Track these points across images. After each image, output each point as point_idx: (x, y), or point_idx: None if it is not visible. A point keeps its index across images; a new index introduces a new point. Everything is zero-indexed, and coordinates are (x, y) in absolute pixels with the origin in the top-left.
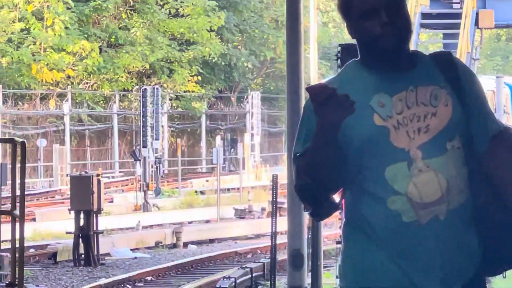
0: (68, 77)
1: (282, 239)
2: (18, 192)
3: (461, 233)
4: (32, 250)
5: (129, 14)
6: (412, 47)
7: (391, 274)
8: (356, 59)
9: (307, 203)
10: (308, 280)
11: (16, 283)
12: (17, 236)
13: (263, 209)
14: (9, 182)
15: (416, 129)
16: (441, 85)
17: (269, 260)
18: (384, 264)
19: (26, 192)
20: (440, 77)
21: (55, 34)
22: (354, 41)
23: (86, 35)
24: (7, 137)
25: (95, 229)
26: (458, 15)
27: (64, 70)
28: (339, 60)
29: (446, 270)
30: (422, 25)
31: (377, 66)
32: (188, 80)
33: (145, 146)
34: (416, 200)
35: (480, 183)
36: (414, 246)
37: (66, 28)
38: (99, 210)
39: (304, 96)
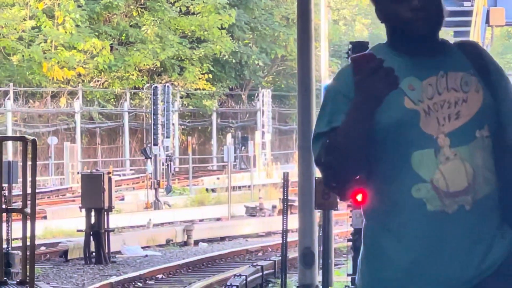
0: (79, 75)
1: (293, 237)
2: (29, 190)
3: (486, 225)
4: (43, 248)
5: (140, 12)
6: None
7: (408, 281)
8: (382, 42)
9: (331, 180)
10: (319, 278)
11: (27, 281)
12: (28, 234)
13: (274, 207)
14: (20, 180)
15: (446, 116)
16: (471, 72)
17: (280, 258)
18: (402, 269)
19: (37, 190)
20: (469, 65)
21: (66, 32)
22: (364, 39)
23: (97, 33)
24: (18, 135)
25: (106, 227)
26: (469, 13)
27: (75, 68)
28: (349, 57)
29: (468, 263)
30: None
31: (406, 51)
32: (199, 78)
33: (156, 144)
34: (442, 189)
35: (509, 175)
36: (439, 236)
37: (77, 26)
38: (110, 208)
39: (314, 93)
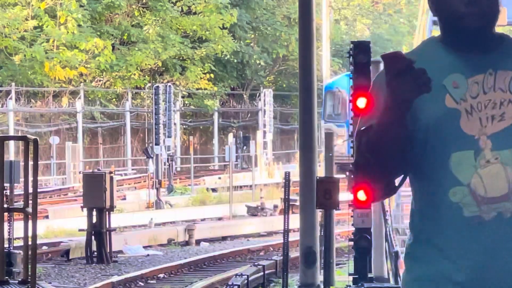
0: (81, 74)
1: (294, 237)
2: (30, 190)
3: None
4: (44, 247)
5: (141, 12)
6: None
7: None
8: (435, 36)
9: (364, 180)
10: (320, 277)
11: (29, 280)
12: (30, 233)
13: (275, 207)
14: (22, 179)
15: (490, 116)
16: None
17: (282, 257)
18: (441, 274)
19: (38, 190)
20: None
21: (68, 32)
22: (366, 39)
23: (98, 33)
24: (20, 134)
25: (107, 226)
26: None
27: (76, 68)
28: (351, 57)
29: (506, 272)
30: (435, 23)
31: (457, 46)
32: (201, 78)
33: (157, 144)
34: (479, 194)
35: None
36: (475, 243)
37: (79, 25)
38: (111, 208)
39: (316, 93)
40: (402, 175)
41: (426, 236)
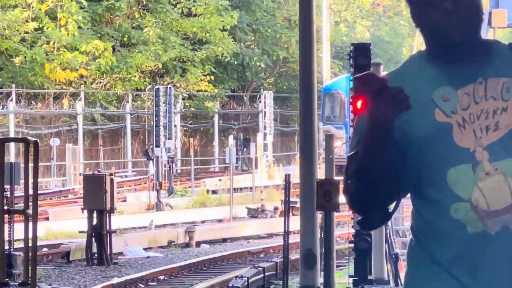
0: (81, 76)
1: (294, 239)
2: (31, 192)
3: None
4: (45, 249)
5: (142, 14)
6: (424, 46)
7: None
8: (422, 50)
9: (354, 210)
10: (320, 279)
11: (29, 282)
12: (30, 235)
13: (275, 209)
14: (22, 181)
15: (484, 127)
16: None
17: (282, 259)
18: None
19: (39, 192)
20: None
21: (68, 34)
22: (366, 41)
23: (99, 35)
24: (20, 136)
25: (108, 228)
26: None
27: (77, 70)
28: (351, 59)
29: None
30: None
31: (443, 58)
32: (201, 80)
33: (158, 146)
34: (482, 208)
35: None
36: (482, 260)
37: (80, 27)
38: (112, 209)
39: (316, 95)
40: (396, 200)
41: (429, 252)
